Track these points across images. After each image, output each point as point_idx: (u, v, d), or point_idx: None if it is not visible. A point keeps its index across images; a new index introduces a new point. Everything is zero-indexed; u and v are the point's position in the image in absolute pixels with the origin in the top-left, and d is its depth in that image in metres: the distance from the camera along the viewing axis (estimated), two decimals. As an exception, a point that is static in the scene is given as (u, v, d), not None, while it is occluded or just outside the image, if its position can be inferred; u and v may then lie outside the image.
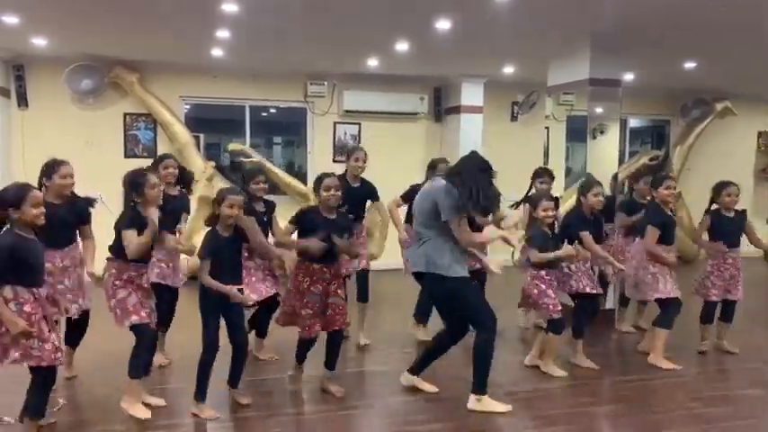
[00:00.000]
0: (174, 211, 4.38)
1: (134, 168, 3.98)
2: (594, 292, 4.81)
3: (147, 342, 3.81)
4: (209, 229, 3.81)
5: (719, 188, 5.08)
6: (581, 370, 4.83)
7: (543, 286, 4.54)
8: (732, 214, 5.08)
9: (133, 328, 3.76)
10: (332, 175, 4.18)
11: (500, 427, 3.89)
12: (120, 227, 3.75)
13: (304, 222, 4.09)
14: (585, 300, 4.82)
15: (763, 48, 6.51)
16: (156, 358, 4.23)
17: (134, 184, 3.76)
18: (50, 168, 3.98)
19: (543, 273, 4.55)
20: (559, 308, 4.54)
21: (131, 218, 3.74)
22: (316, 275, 4.05)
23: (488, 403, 4.00)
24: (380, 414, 4.09)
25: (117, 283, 3.76)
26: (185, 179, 4.83)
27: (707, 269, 5.16)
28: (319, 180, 4.11)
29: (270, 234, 4.56)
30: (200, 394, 3.83)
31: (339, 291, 4.13)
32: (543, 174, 5.62)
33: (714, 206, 5.12)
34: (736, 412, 4.18)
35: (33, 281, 3.26)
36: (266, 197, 4.72)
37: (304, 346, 4.19)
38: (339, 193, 4.08)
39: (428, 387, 4.30)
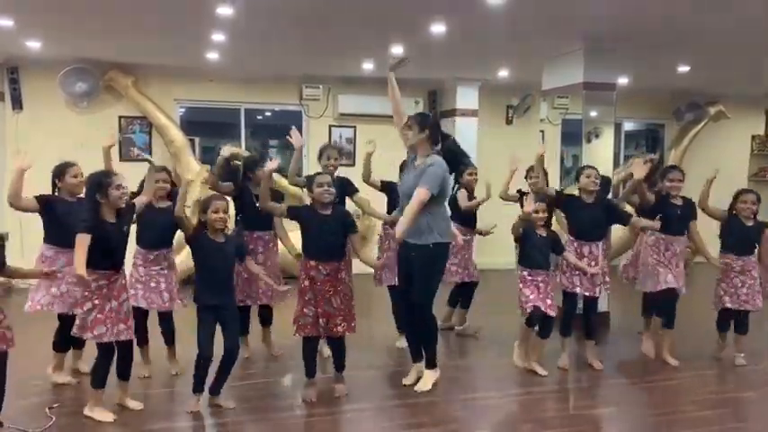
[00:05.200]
0: (163, 227, 4.31)
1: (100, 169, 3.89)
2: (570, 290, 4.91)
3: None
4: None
5: (737, 194, 5.05)
6: (576, 373, 4.83)
7: (521, 285, 4.68)
8: (751, 223, 5.00)
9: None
10: (323, 173, 4.31)
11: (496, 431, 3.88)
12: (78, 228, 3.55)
13: (301, 218, 4.11)
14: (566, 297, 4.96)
15: (757, 51, 6.54)
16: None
17: (99, 184, 3.63)
18: (62, 169, 4.17)
19: (525, 273, 4.68)
20: (531, 305, 4.58)
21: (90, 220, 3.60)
22: (312, 272, 4.04)
23: None
24: (374, 417, 4.07)
25: (86, 293, 3.64)
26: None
27: (717, 277, 5.11)
28: (311, 178, 4.15)
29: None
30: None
31: (335, 297, 4.07)
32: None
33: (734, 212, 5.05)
34: (733, 415, 4.20)
35: None
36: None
37: (304, 347, 4.19)
38: (332, 189, 4.09)
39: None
